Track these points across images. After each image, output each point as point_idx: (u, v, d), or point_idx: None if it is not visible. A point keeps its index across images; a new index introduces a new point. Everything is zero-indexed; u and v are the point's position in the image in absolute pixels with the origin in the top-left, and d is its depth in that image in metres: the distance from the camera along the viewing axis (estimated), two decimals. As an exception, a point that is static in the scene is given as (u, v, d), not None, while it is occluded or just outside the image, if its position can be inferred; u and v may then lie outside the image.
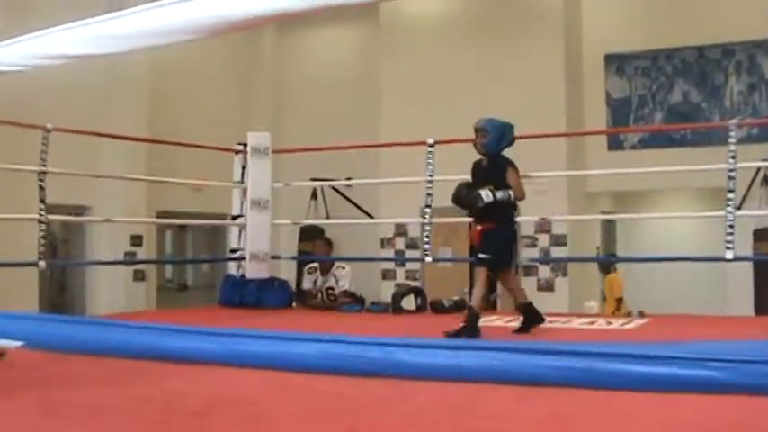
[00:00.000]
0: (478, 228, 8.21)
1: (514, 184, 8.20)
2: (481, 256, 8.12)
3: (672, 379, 1.51)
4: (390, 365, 1.61)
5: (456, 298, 11.09)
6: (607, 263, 16.08)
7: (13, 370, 5.52)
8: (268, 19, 2.78)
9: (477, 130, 8.54)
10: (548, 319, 9.54)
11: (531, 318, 8.32)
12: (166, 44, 3.00)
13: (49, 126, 9.53)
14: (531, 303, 8.40)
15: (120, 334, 2.11)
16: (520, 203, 8.60)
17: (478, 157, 8.66)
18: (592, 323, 9.40)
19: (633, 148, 16.92)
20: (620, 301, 15.88)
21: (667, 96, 16.92)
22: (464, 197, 8.26)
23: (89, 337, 2.15)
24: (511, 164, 8.38)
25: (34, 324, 2.35)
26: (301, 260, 14.03)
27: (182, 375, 4.98)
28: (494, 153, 8.40)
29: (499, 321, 9.63)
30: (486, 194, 8.03)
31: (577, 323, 9.41)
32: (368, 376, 1.73)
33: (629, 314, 10.14)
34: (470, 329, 7.70)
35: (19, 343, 2.30)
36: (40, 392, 5.03)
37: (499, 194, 8.04)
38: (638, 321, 9.45)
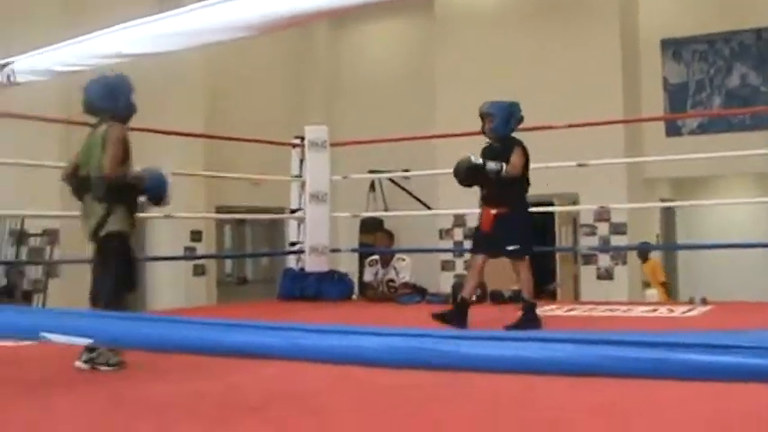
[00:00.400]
0: (492, 212, 7.87)
1: (513, 161, 7.80)
2: (510, 248, 7.77)
3: (733, 368, 1.51)
4: (458, 358, 1.61)
5: (516, 288, 11.03)
6: (644, 250, 15.87)
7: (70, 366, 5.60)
8: (325, 13, 2.80)
9: (482, 116, 8.18)
10: (609, 308, 9.52)
11: (530, 319, 7.78)
12: (224, 41, 3.02)
13: (108, 124, 9.59)
14: (535, 305, 7.98)
15: (184, 330, 2.13)
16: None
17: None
18: (653, 311, 9.34)
19: (692, 133, 16.76)
20: (665, 285, 15.70)
21: (725, 80, 16.76)
22: (456, 167, 7.91)
23: (153, 334, 2.18)
24: (519, 144, 8.03)
25: (101, 322, 2.38)
26: (362, 252, 14.04)
27: (242, 370, 5.03)
28: (503, 136, 8.01)
29: (559, 311, 9.60)
30: (474, 157, 7.77)
31: (639, 311, 9.35)
32: (433, 369, 1.74)
33: (690, 301, 10.00)
34: (458, 318, 7.55)
35: (88, 340, 2.33)
36: (103, 388, 5.10)
37: (491, 164, 7.69)
38: (701, 309, 9.37)
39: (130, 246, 6.39)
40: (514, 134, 8.21)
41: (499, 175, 7.69)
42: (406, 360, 1.81)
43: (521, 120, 8.17)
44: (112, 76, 6.44)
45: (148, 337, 2.25)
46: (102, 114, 6.39)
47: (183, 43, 3.10)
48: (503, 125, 8.00)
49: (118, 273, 6.14)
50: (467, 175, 7.84)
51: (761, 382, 1.67)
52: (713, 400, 3.84)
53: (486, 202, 8.03)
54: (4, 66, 3.71)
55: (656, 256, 16.76)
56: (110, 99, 6.40)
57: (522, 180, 7.97)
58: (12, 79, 3.68)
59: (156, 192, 6.50)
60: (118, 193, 6.14)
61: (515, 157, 7.83)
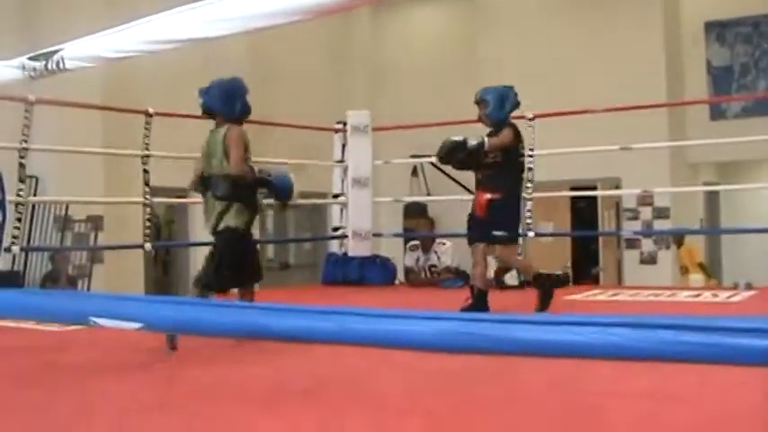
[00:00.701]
0: (486, 196, 7.69)
1: (499, 137, 7.69)
2: (496, 233, 7.64)
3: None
4: (510, 343, 1.61)
5: (559, 273, 10.99)
6: (680, 235, 15.73)
7: (130, 351, 5.66)
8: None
9: (477, 103, 8.04)
10: (653, 292, 9.48)
11: (549, 288, 7.71)
12: (276, 26, 3.02)
13: (150, 110, 9.66)
14: (540, 274, 7.85)
15: (235, 315, 2.15)
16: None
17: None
18: (697, 296, 9.29)
19: (736, 117, 16.63)
20: (702, 266, 15.55)
21: (770, 63, 16.61)
22: (439, 147, 7.84)
23: (204, 319, 2.20)
24: (510, 125, 7.86)
25: (150, 306, 2.40)
26: (406, 237, 14.03)
27: (290, 354, 5.05)
28: (498, 121, 7.82)
29: (602, 296, 9.57)
30: (457, 137, 7.67)
31: (683, 296, 9.31)
32: (485, 353, 1.74)
33: (735, 286, 9.95)
34: (479, 308, 7.40)
35: (137, 325, 2.36)
36: (155, 372, 5.15)
37: (471, 141, 7.57)
38: (745, 294, 9.31)
39: (246, 241, 6.79)
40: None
41: (482, 149, 7.55)
42: (458, 345, 1.81)
43: (517, 104, 8.02)
44: (228, 80, 7.29)
45: (199, 322, 2.27)
46: (221, 117, 6.92)
47: (234, 28, 3.10)
48: (496, 111, 7.85)
49: (223, 265, 6.48)
50: (449, 153, 7.72)
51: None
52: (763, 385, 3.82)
53: (479, 186, 7.89)
54: (54, 53, 3.74)
55: (696, 239, 16.68)
56: (228, 102, 6.96)
57: (516, 165, 7.84)
58: (61, 66, 3.70)
59: (284, 192, 6.94)
60: (239, 191, 6.57)
61: (502, 135, 7.70)
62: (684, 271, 15.36)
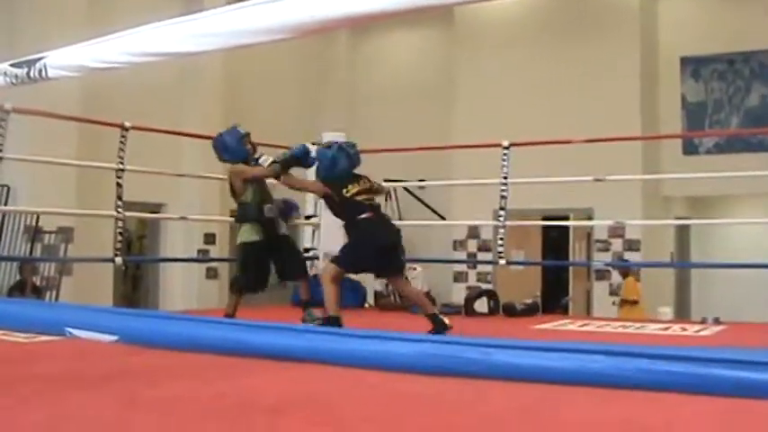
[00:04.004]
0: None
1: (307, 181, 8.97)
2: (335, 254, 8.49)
3: (751, 384, 1.50)
4: (488, 367, 1.60)
5: (529, 301, 11.03)
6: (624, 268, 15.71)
7: (101, 363, 5.62)
8: (357, 19, 2.80)
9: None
10: (622, 324, 9.51)
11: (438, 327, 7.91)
12: (256, 43, 3.02)
13: (127, 124, 9.63)
14: (435, 314, 8.08)
15: (210, 330, 2.13)
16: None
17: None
18: (666, 329, 9.31)
19: (708, 152, 16.75)
20: (633, 303, 15.35)
21: (744, 100, 16.74)
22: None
23: (179, 333, 2.18)
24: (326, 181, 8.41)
25: (128, 319, 2.39)
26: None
27: (260, 372, 5.02)
28: (325, 178, 8.32)
29: (572, 326, 9.58)
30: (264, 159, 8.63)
31: (651, 329, 9.33)
32: (462, 377, 1.73)
33: (703, 321, 9.98)
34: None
35: (113, 337, 2.34)
36: (120, 386, 5.10)
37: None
38: (714, 328, 9.34)
39: (254, 253, 8.62)
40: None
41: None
42: (436, 367, 1.81)
43: (353, 163, 8.46)
44: (229, 132, 8.90)
45: (174, 335, 2.26)
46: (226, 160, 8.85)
47: (218, 44, 3.10)
48: (324, 170, 8.35)
49: (240, 273, 8.86)
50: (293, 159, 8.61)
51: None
52: (735, 416, 3.83)
53: None
54: (37, 60, 3.71)
55: (666, 273, 16.75)
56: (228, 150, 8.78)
57: (349, 210, 8.28)
58: (43, 74, 3.68)
59: (301, 156, 8.52)
60: (242, 214, 8.68)
61: (309, 181, 9.02)
62: (622, 303, 15.18)
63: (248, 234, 8.55)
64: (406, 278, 8.96)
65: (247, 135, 8.81)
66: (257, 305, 10.63)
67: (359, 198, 8.17)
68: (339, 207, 8.29)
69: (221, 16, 3.02)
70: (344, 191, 8.16)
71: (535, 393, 3.71)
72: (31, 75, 3.71)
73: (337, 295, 8.20)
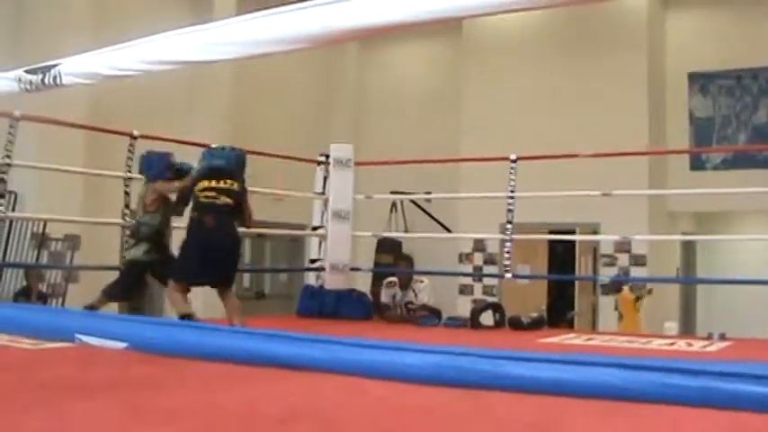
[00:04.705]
0: None
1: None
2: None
3: (757, 397, 1.49)
4: (499, 378, 1.61)
5: (535, 315, 10.99)
6: (617, 282, 15.70)
7: (107, 371, 5.61)
8: (368, 31, 2.81)
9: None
10: (627, 339, 9.49)
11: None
12: (269, 53, 3.03)
13: (135, 133, 9.63)
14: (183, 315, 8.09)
15: (220, 338, 2.13)
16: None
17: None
18: (671, 344, 9.28)
19: (715, 168, 16.74)
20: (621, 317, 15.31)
21: (752, 116, 16.72)
22: None
23: (186, 340, 2.18)
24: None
25: (136, 326, 2.39)
26: (379, 273, 14.00)
27: (261, 383, 5.01)
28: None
29: (578, 340, 9.56)
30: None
31: (657, 344, 9.30)
32: (473, 388, 1.73)
33: (709, 336, 9.94)
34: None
35: (123, 344, 2.34)
36: (123, 394, 5.08)
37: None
38: (720, 344, 9.31)
39: (137, 272, 8.88)
40: None
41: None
42: (446, 378, 1.81)
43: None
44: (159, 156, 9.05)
45: (183, 343, 2.26)
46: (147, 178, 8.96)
47: (231, 53, 3.10)
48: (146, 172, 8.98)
49: (116, 283, 9.01)
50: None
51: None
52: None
53: None
54: (52, 67, 3.71)
55: (671, 288, 16.75)
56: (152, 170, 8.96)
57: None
58: (57, 81, 3.68)
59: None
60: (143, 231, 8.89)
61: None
62: (620, 317, 15.19)
63: (138, 252, 8.77)
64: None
65: (173, 167, 8.90)
66: (262, 315, 10.63)
67: (202, 195, 8.17)
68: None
69: (235, 26, 3.03)
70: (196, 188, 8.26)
71: (543, 406, 3.71)
72: (46, 81, 3.71)
73: (181, 298, 8.15)
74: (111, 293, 8.94)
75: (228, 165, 8.39)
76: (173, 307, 8.25)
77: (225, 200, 8.12)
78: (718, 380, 1.68)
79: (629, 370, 1.73)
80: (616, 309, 15.18)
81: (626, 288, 15.19)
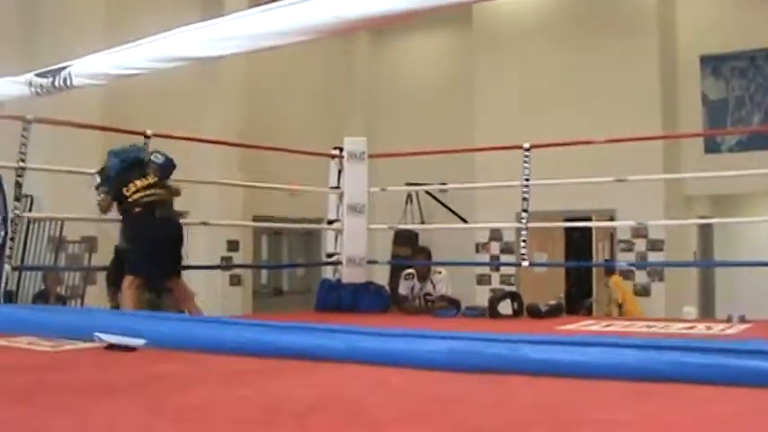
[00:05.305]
0: None
1: None
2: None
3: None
4: (521, 362, 1.60)
5: (553, 302, 10.98)
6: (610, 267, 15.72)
7: (126, 371, 5.62)
8: (380, 19, 2.80)
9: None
10: (646, 324, 9.48)
11: None
12: (279, 45, 3.03)
13: (148, 132, 9.64)
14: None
15: (239, 331, 2.13)
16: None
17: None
18: (691, 328, 9.26)
19: (731, 150, 16.67)
20: (620, 306, 15.35)
21: (766, 97, 16.64)
22: None
23: (205, 334, 2.19)
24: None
25: (155, 322, 2.40)
26: (397, 265, 14.00)
27: (281, 376, 5.02)
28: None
29: (596, 326, 9.55)
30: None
31: (676, 328, 9.28)
32: (495, 373, 1.73)
33: (729, 319, 9.90)
34: None
35: (142, 341, 2.34)
36: (145, 393, 5.10)
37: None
38: (739, 326, 9.29)
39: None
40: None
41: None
42: (469, 363, 1.81)
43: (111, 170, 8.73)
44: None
45: (201, 338, 2.26)
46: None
47: (242, 47, 3.10)
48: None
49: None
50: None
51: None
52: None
53: None
54: (62, 69, 3.72)
55: (690, 272, 16.73)
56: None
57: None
58: (68, 83, 3.69)
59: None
60: None
61: None
62: (615, 303, 15.19)
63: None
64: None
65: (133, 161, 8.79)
66: (281, 311, 10.64)
67: (137, 195, 8.32)
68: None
69: (244, 20, 3.03)
70: (125, 189, 8.38)
71: (564, 389, 3.71)
72: (56, 84, 3.72)
73: (133, 298, 8.18)
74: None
75: (142, 158, 8.78)
76: (124, 304, 8.26)
77: (159, 192, 8.47)
78: (742, 357, 1.67)
79: (649, 350, 1.72)
80: (610, 303, 15.18)
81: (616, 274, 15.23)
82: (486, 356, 1.89)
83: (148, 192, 8.33)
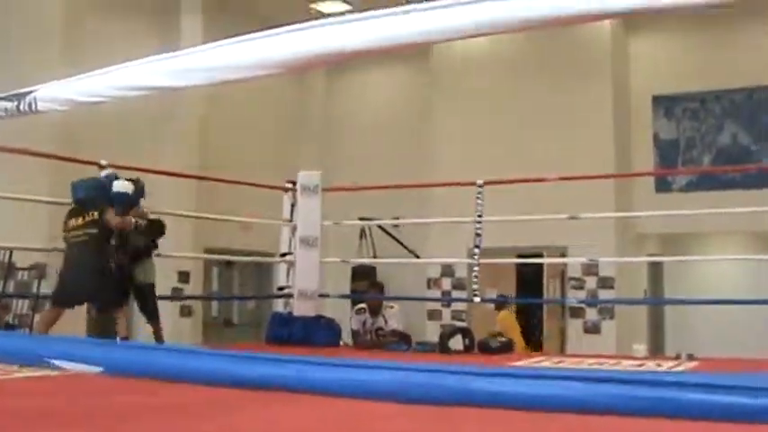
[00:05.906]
0: None
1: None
2: None
3: (745, 409, 1.50)
4: (463, 394, 1.62)
5: (504, 339, 11.02)
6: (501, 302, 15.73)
7: (81, 399, 5.56)
8: (339, 56, 2.84)
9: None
10: (597, 361, 9.53)
11: None
12: (238, 79, 3.06)
13: (103, 162, 9.60)
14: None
15: (195, 360, 2.13)
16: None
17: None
18: (640, 365, 9.33)
19: (681, 190, 16.85)
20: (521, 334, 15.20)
21: (716, 138, 16.87)
22: None
23: (163, 363, 2.19)
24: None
25: (111, 350, 2.39)
26: (354, 299, 13.98)
27: (245, 405, 5.00)
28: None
29: (547, 362, 9.59)
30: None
31: (626, 365, 9.34)
32: (443, 405, 1.74)
33: (677, 356, 9.99)
34: None
35: (98, 368, 2.34)
36: (98, 424, 5.05)
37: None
38: (688, 364, 9.37)
39: None
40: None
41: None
42: (417, 395, 1.83)
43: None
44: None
45: (160, 366, 2.27)
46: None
47: (202, 79, 3.14)
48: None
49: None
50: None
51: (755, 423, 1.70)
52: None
53: None
54: (27, 94, 3.73)
55: (639, 310, 16.88)
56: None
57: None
58: (33, 107, 3.71)
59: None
60: None
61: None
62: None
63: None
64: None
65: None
66: (230, 343, 10.60)
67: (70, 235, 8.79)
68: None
69: (205, 53, 3.07)
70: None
71: (511, 422, 3.73)
72: (21, 108, 3.73)
73: (45, 323, 9.02)
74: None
75: (88, 194, 8.91)
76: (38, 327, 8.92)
77: (88, 232, 8.72)
78: (689, 391, 1.71)
79: (599, 383, 1.76)
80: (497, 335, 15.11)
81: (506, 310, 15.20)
82: (435, 388, 1.91)
83: (74, 232, 8.73)
